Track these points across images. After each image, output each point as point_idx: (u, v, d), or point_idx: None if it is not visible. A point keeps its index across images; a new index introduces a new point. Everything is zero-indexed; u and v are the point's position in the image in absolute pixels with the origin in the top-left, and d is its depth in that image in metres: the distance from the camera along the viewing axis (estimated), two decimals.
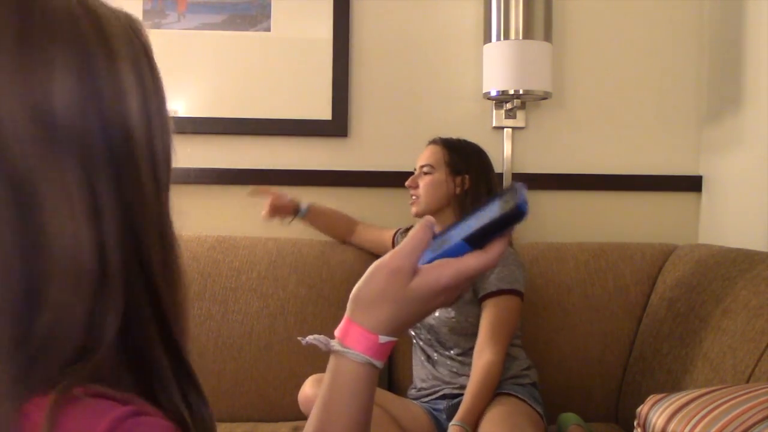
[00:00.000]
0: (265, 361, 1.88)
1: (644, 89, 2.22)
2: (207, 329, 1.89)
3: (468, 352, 1.72)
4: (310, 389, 1.73)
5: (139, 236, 0.51)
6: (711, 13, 2.17)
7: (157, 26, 2.16)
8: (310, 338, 0.67)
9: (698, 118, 2.22)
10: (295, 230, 2.03)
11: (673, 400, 1.20)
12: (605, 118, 2.22)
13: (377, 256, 0.75)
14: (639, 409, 1.26)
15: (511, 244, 1.80)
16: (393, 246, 1.95)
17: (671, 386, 1.61)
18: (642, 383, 1.78)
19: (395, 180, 2.00)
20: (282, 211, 1.93)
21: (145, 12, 2.17)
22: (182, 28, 2.17)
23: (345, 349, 0.64)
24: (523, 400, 1.64)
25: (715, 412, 1.10)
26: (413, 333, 1.85)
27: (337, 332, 0.66)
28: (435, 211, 1.78)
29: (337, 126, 2.18)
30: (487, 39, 2.09)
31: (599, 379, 1.91)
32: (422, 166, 1.81)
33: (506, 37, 2.03)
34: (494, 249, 0.63)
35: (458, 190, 1.78)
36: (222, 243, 2.00)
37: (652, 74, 2.22)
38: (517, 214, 0.60)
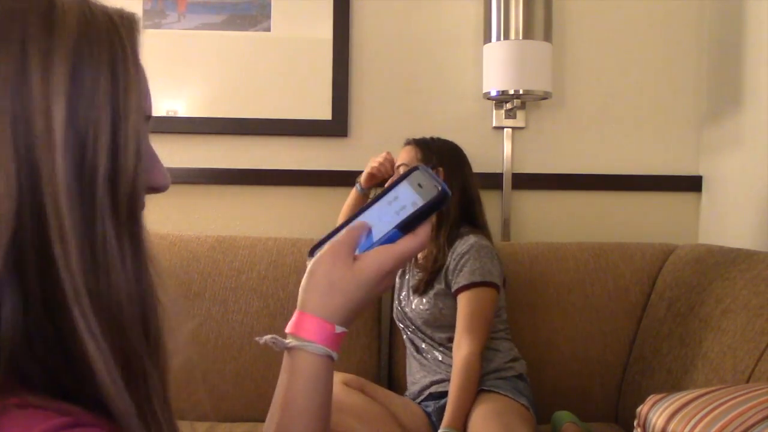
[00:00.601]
0: (265, 361, 1.88)
1: (644, 89, 2.22)
2: (207, 329, 1.89)
3: (448, 344, 1.74)
4: None
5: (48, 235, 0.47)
6: (711, 13, 2.17)
7: (157, 26, 2.16)
8: (267, 338, 0.66)
9: (698, 118, 2.22)
10: (295, 230, 2.03)
11: (673, 400, 1.20)
12: (605, 118, 2.22)
13: None
14: (639, 409, 1.26)
15: (488, 238, 1.81)
16: None
17: (671, 386, 1.61)
18: (642, 383, 1.78)
19: None
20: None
21: (145, 12, 2.16)
22: (182, 28, 2.17)
23: (303, 343, 0.63)
24: (507, 396, 1.65)
25: (715, 412, 1.10)
26: (401, 326, 1.86)
27: (288, 328, 0.65)
28: None
29: (337, 126, 2.18)
30: (487, 39, 2.09)
31: (599, 379, 1.91)
32: (398, 166, 1.86)
33: (506, 37, 2.03)
34: (424, 231, 0.67)
35: None
36: (222, 243, 2.00)
37: (652, 74, 2.22)
38: (443, 198, 0.66)
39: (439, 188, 0.65)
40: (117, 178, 0.50)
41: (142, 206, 0.54)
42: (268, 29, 2.18)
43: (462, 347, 1.64)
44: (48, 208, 0.47)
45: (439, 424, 1.58)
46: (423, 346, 1.80)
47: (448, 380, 1.68)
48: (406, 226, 0.66)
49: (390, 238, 0.67)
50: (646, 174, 2.22)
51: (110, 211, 0.50)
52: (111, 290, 0.49)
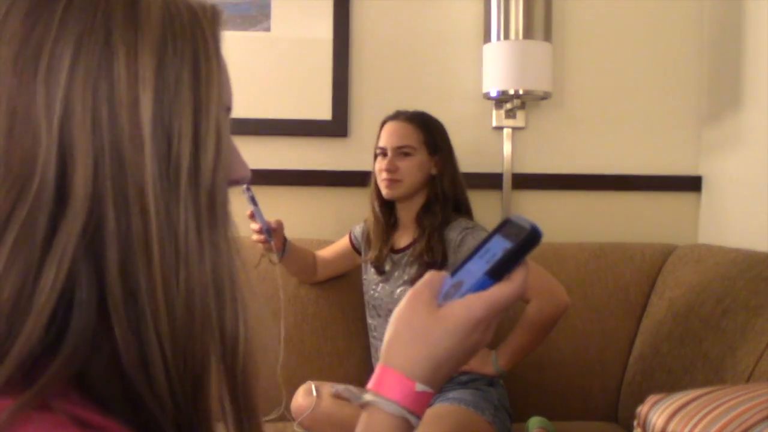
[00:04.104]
0: (265, 361, 1.87)
1: (644, 89, 2.22)
2: None
3: None
4: (303, 399, 1.72)
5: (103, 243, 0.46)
6: (711, 13, 2.17)
7: None
8: (340, 388, 0.63)
9: (698, 118, 2.22)
10: (296, 231, 2.03)
11: (673, 400, 1.20)
12: (605, 118, 2.22)
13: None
14: (639, 409, 1.26)
15: (471, 217, 1.76)
16: (352, 244, 1.91)
17: (671, 386, 1.61)
18: (642, 383, 1.78)
19: None
20: (279, 234, 1.77)
21: None
22: None
23: (377, 398, 0.57)
24: (469, 409, 1.58)
25: (715, 412, 1.10)
26: (372, 323, 1.80)
27: (369, 384, 0.59)
28: (413, 195, 1.74)
29: (337, 126, 2.18)
30: (487, 39, 2.09)
31: (599, 379, 1.91)
32: (400, 147, 1.71)
33: (506, 37, 2.03)
34: (518, 276, 0.61)
35: (434, 170, 1.74)
36: None
37: (652, 74, 2.22)
38: (534, 238, 0.61)
39: (528, 228, 0.61)
40: (199, 172, 0.49)
41: (225, 200, 0.53)
42: (268, 29, 2.18)
43: (547, 306, 1.59)
44: (132, 202, 0.46)
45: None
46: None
47: None
48: (496, 271, 0.61)
49: (479, 286, 0.61)
50: (646, 174, 2.22)
51: (192, 205, 0.49)
52: (187, 286, 0.48)
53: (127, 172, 0.46)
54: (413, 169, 1.71)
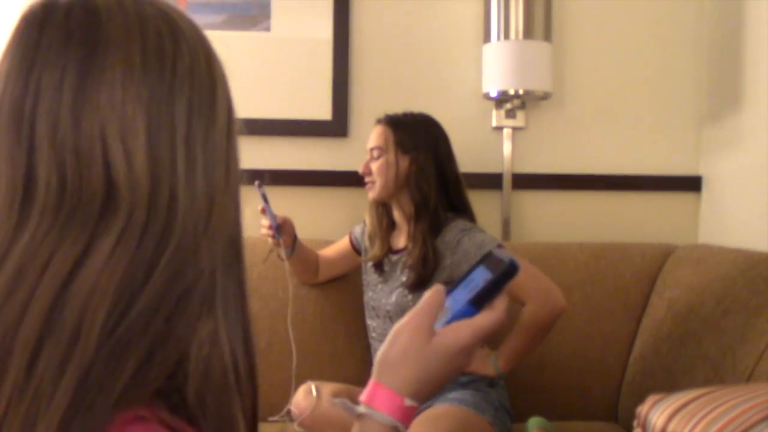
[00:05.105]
0: (265, 361, 1.87)
1: (644, 89, 2.22)
2: None
3: None
4: (303, 400, 1.73)
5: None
6: (711, 13, 2.17)
7: None
8: (336, 401, 0.70)
9: (698, 118, 2.22)
10: (296, 231, 2.03)
11: (673, 400, 1.20)
12: (605, 118, 2.22)
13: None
14: (639, 409, 1.26)
15: (472, 218, 1.76)
16: (352, 244, 1.93)
17: (671, 386, 1.61)
18: (642, 383, 1.78)
19: None
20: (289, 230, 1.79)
21: None
22: None
23: (371, 411, 0.65)
24: (469, 410, 1.58)
25: (715, 412, 1.10)
26: (371, 324, 1.80)
27: (362, 397, 0.67)
28: (392, 195, 1.74)
29: (337, 126, 2.18)
30: (487, 39, 2.09)
31: (599, 379, 1.91)
32: (372, 149, 1.75)
33: (506, 37, 2.03)
34: (500, 305, 0.69)
35: (413, 167, 1.71)
36: None
37: (652, 74, 2.22)
38: (511, 270, 0.69)
39: (507, 261, 0.69)
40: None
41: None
42: (268, 29, 2.18)
43: (544, 307, 1.58)
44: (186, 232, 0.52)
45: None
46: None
47: None
48: (478, 300, 0.69)
49: (464, 313, 0.69)
50: (646, 174, 2.22)
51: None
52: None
53: (178, 199, 0.51)
54: (382, 168, 1.73)
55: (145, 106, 0.49)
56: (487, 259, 0.73)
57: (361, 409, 0.66)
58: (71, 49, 0.49)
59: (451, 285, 0.73)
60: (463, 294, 0.70)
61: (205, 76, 0.54)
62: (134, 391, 0.45)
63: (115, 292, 0.46)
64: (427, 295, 0.70)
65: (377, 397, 0.66)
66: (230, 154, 0.59)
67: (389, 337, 0.68)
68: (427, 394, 0.67)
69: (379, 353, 0.68)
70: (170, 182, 0.50)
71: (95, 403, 0.43)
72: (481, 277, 0.70)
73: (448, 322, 0.69)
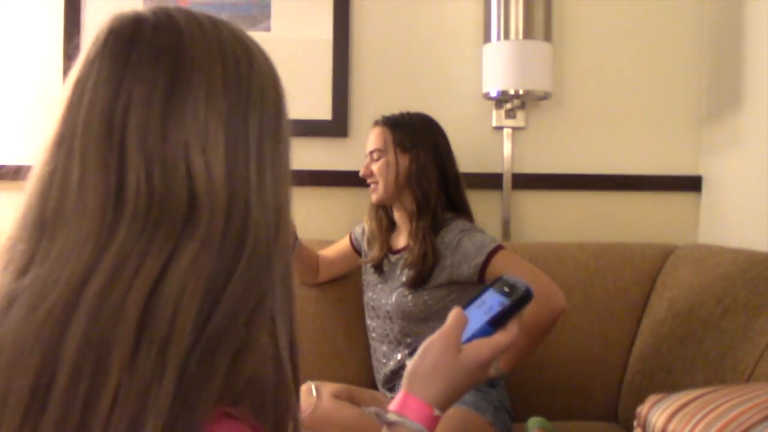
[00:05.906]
0: None
1: (644, 89, 2.22)
2: None
3: (417, 341, 1.69)
4: (303, 400, 1.72)
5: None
6: (711, 13, 2.17)
7: None
8: (370, 410, 0.74)
9: (698, 118, 2.22)
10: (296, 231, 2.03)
11: (673, 400, 1.20)
12: (605, 118, 2.22)
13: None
14: (639, 409, 1.26)
15: (471, 218, 1.77)
16: (352, 244, 1.93)
17: (671, 386, 1.61)
18: (642, 383, 1.78)
19: None
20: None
21: None
22: None
23: (403, 419, 0.71)
24: (470, 409, 1.58)
25: (715, 412, 1.10)
26: (371, 324, 1.80)
27: (392, 406, 0.73)
28: (394, 196, 1.74)
29: (337, 126, 2.18)
30: (487, 39, 2.09)
31: (599, 379, 1.91)
32: (371, 152, 1.75)
33: (506, 37, 2.03)
34: (514, 327, 0.78)
35: (413, 166, 1.71)
36: None
37: (652, 74, 2.22)
38: (527, 297, 0.78)
39: (522, 288, 0.78)
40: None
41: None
42: (268, 29, 2.18)
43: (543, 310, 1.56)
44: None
45: None
46: (384, 349, 1.75)
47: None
48: (496, 322, 0.77)
49: (482, 333, 0.77)
50: (646, 174, 2.22)
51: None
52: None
53: (250, 211, 0.55)
54: (383, 169, 1.73)
55: (224, 123, 0.53)
56: (497, 282, 0.80)
57: (393, 417, 0.71)
58: (160, 65, 0.52)
59: (465, 304, 0.81)
60: (478, 314, 0.78)
61: (273, 98, 0.61)
62: (224, 390, 0.48)
63: (202, 293, 0.48)
64: (453, 315, 0.77)
65: (408, 407, 0.72)
66: (290, 172, 0.62)
67: (419, 352, 0.75)
68: (450, 404, 0.74)
69: (409, 366, 0.75)
70: (244, 195, 0.53)
71: (197, 403, 0.45)
72: (495, 300, 0.78)
73: (468, 339, 0.77)
